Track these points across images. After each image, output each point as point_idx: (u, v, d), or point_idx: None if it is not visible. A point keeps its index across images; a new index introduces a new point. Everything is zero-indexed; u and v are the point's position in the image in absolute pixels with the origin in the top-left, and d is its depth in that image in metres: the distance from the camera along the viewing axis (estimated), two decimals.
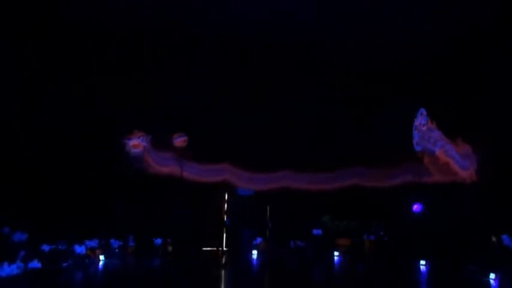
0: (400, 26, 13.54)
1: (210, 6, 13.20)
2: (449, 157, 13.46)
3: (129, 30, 13.54)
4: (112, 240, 13.85)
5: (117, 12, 12.93)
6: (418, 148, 14.84)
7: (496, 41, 13.26)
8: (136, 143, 12.98)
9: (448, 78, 14.41)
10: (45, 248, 11.12)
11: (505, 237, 12.73)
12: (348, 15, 13.43)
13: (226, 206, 16.66)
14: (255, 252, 15.03)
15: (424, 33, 13.75)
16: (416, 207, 16.12)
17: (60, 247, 11.40)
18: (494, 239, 12.88)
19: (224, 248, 15.67)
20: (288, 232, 15.91)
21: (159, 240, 14.56)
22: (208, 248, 15.38)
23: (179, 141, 11.20)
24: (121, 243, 14.01)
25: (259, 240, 15.80)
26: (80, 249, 12.37)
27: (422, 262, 13.81)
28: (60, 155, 13.08)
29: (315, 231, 15.73)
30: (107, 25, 13.11)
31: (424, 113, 14.88)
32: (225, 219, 14.75)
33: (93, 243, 13.22)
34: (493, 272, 10.76)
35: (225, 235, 14.69)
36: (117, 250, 13.80)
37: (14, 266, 9.52)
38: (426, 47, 14.18)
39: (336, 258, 15.07)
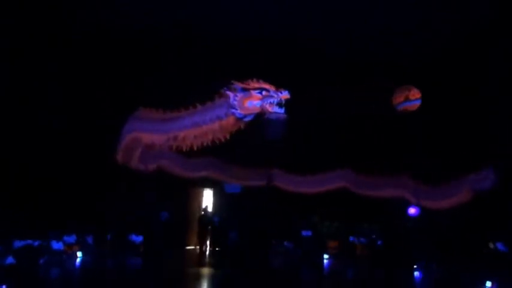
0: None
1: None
2: None
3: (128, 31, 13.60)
4: (90, 237, 13.59)
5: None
6: None
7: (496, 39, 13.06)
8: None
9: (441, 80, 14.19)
10: (19, 244, 10.96)
11: (499, 244, 12.69)
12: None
13: (212, 203, 16.61)
14: (241, 251, 14.83)
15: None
16: (412, 211, 15.70)
17: (34, 243, 11.23)
18: (491, 245, 12.79)
19: (209, 247, 15.52)
20: (275, 232, 15.73)
21: (139, 238, 14.37)
22: (192, 247, 15.36)
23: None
24: (99, 239, 13.73)
25: (245, 239, 15.49)
26: (57, 245, 12.22)
27: (416, 267, 13.73)
28: (36, 149, 12.84)
29: (304, 233, 15.46)
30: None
31: None
32: (212, 217, 14.51)
33: (71, 239, 12.94)
34: (488, 279, 10.77)
35: (210, 234, 14.42)
36: (95, 247, 13.55)
37: None
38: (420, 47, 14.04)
39: (325, 260, 14.90)
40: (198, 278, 11.03)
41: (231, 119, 7.17)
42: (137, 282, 10.17)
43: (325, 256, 15.10)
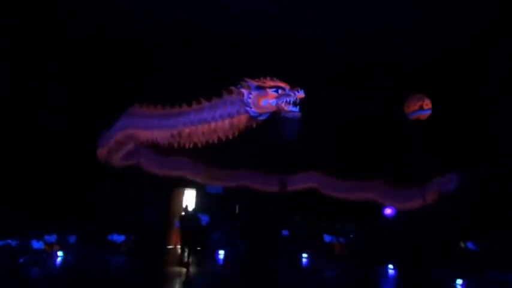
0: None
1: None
2: None
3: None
4: (71, 236, 13.42)
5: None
6: None
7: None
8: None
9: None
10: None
11: (469, 243, 13.30)
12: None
13: (195, 203, 16.45)
14: (221, 252, 14.91)
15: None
16: (388, 211, 16.15)
17: (13, 243, 11.16)
18: (462, 244, 13.35)
19: (190, 247, 15.55)
20: (256, 232, 15.48)
21: (122, 237, 14.21)
22: (172, 246, 15.21)
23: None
24: (82, 238, 13.56)
25: (226, 239, 15.61)
26: (37, 244, 12.10)
27: (391, 266, 13.97)
28: (17, 147, 12.78)
29: (284, 232, 15.43)
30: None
31: None
32: (193, 216, 14.27)
33: (52, 238, 12.79)
34: (459, 277, 11.18)
35: (191, 234, 14.26)
36: (76, 246, 13.38)
37: None
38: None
39: (304, 260, 14.92)
40: (179, 277, 10.98)
41: (243, 117, 6.95)
42: (117, 282, 10.14)
43: (304, 255, 15.12)
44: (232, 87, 7.06)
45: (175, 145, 7.98)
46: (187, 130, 7.49)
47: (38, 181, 13.04)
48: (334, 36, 14.30)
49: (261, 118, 6.87)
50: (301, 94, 6.45)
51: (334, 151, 14.50)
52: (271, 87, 6.65)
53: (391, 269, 13.92)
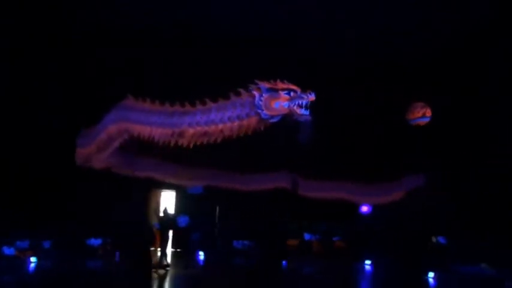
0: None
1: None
2: None
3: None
4: (45, 241, 13.24)
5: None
6: None
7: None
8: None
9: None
10: None
11: (440, 238, 14.31)
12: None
13: (175, 204, 16.47)
14: (201, 253, 14.99)
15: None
16: (364, 209, 16.64)
17: None
18: (434, 239, 14.29)
19: (170, 249, 15.36)
20: (236, 232, 15.79)
21: (98, 241, 14.09)
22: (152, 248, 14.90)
23: None
24: (57, 243, 13.39)
25: (207, 240, 15.70)
26: (8, 250, 11.98)
27: (368, 262, 14.84)
28: None
29: (264, 231, 15.43)
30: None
31: None
32: (173, 218, 14.13)
33: (24, 244, 12.66)
34: (431, 270, 12.02)
35: (171, 235, 14.06)
36: (50, 251, 13.19)
37: None
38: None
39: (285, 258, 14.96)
40: (158, 279, 10.96)
41: (253, 120, 6.85)
42: (92, 286, 10.07)
43: (285, 254, 15.17)
44: (241, 89, 6.96)
45: (172, 144, 7.80)
46: (191, 130, 7.36)
47: (11, 186, 12.86)
48: (333, 36, 14.30)
49: (272, 121, 6.78)
50: (312, 97, 6.39)
51: (305, 151, 14.44)
52: (283, 89, 6.57)
53: (368, 264, 14.78)
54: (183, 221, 16.13)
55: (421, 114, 12.78)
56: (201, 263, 14.19)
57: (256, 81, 6.77)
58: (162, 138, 7.92)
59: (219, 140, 7.29)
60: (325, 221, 17.36)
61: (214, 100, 7.33)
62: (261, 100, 6.61)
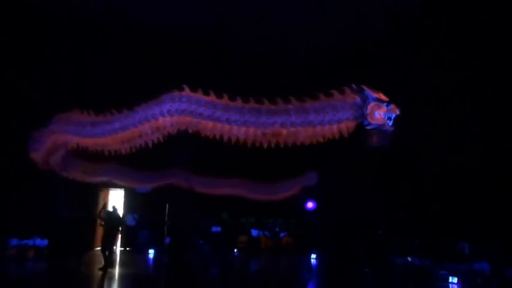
0: None
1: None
2: None
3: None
4: None
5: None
6: None
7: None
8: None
9: None
10: None
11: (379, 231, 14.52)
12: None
13: (123, 203, 16.55)
14: (151, 251, 15.15)
15: None
16: (309, 205, 17.55)
17: None
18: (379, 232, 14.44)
19: (119, 248, 15.48)
20: (186, 230, 15.99)
21: (44, 242, 13.86)
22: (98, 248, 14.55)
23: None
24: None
25: (155, 238, 15.84)
26: None
27: (313, 256, 15.74)
28: None
29: (214, 229, 15.75)
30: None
31: None
32: (121, 217, 13.83)
33: None
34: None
35: (119, 234, 13.82)
36: None
37: None
38: None
39: (234, 255, 15.55)
40: (107, 279, 10.83)
41: (351, 125, 6.78)
42: None
43: (235, 250, 15.75)
44: (346, 91, 6.78)
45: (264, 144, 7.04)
46: (284, 131, 6.89)
47: None
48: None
49: (368, 127, 6.82)
50: (398, 112, 6.70)
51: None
52: (385, 101, 6.71)
53: (313, 258, 15.68)
54: (131, 219, 16.25)
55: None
56: (149, 263, 14.30)
57: (364, 87, 6.71)
58: (248, 138, 7.05)
59: (308, 142, 7.03)
60: (272, 217, 18.14)
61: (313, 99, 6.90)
62: (367, 108, 6.71)
